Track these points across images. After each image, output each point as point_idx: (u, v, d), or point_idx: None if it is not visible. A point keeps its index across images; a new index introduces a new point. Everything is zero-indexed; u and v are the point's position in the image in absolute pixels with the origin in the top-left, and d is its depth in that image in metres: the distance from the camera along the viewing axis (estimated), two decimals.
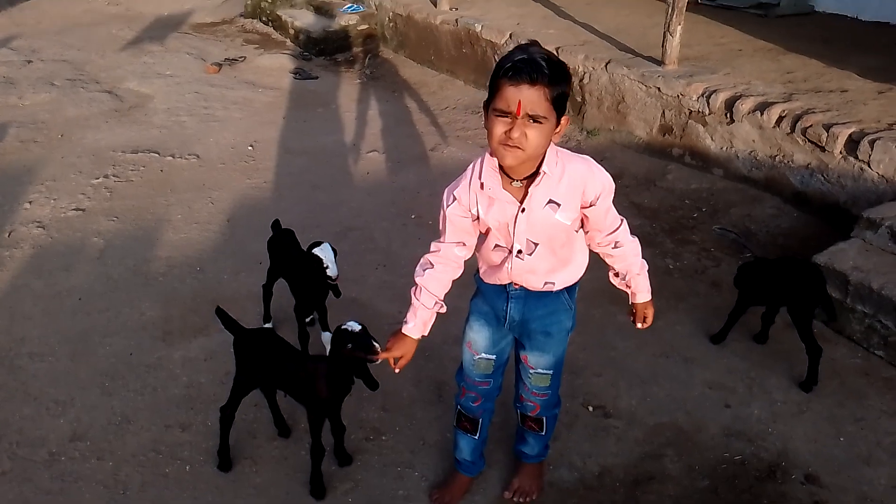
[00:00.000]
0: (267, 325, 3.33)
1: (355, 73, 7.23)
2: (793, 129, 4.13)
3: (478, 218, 1.95)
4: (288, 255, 3.14)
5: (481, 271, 2.12)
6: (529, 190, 1.86)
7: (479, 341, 2.20)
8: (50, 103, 5.93)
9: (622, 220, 2.02)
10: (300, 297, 3.06)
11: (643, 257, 2.12)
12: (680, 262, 3.94)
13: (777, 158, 4.30)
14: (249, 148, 5.34)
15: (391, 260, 3.94)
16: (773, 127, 4.24)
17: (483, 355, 2.21)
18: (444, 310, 2.08)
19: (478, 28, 6.29)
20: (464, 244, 2.02)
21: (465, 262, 2.07)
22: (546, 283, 2.03)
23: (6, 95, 5.99)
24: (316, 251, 2.88)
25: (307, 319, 3.17)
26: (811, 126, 4.03)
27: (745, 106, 4.38)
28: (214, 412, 2.77)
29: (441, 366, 3.07)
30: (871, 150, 3.75)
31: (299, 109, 6.16)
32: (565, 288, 2.08)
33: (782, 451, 2.68)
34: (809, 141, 4.06)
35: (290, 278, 3.12)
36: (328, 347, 3.06)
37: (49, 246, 4.02)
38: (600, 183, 1.88)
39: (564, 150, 1.89)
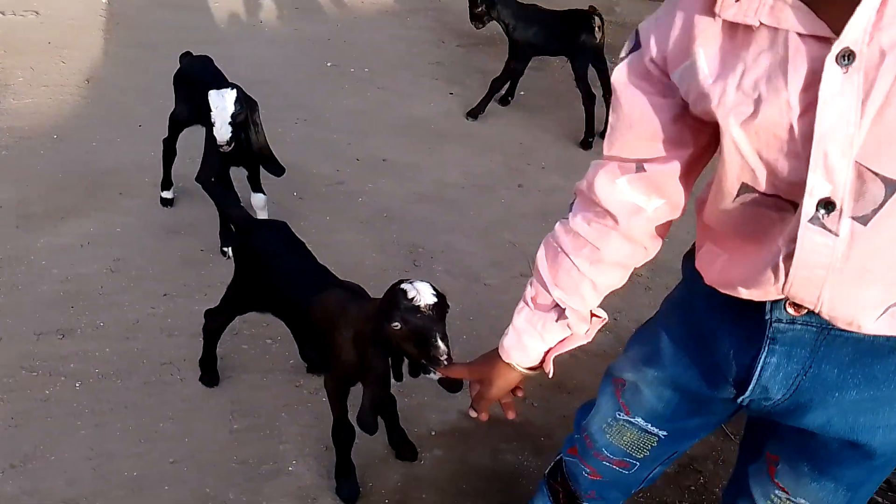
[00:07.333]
0: (166, 195, 2.53)
1: None
2: None
3: (703, 92, 0.76)
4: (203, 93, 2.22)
5: (704, 261, 0.90)
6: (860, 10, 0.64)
7: (645, 400, 1.03)
8: None
9: None
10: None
11: None
12: None
13: None
14: (104, 1, 4.23)
15: (313, 113, 3.21)
16: None
17: (640, 421, 1.05)
18: (585, 339, 1.03)
19: None
20: (643, 169, 0.87)
21: (656, 236, 0.95)
22: (886, 313, 0.76)
23: None
24: (211, 94, 2.01)
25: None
26: None
27: None
28: (107, 307, 2.03)
29: None
30: None
31: None
32: None
33: None
34: None
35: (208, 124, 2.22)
36: (259, 213, 2.32)
37: None
38: None
39: None
